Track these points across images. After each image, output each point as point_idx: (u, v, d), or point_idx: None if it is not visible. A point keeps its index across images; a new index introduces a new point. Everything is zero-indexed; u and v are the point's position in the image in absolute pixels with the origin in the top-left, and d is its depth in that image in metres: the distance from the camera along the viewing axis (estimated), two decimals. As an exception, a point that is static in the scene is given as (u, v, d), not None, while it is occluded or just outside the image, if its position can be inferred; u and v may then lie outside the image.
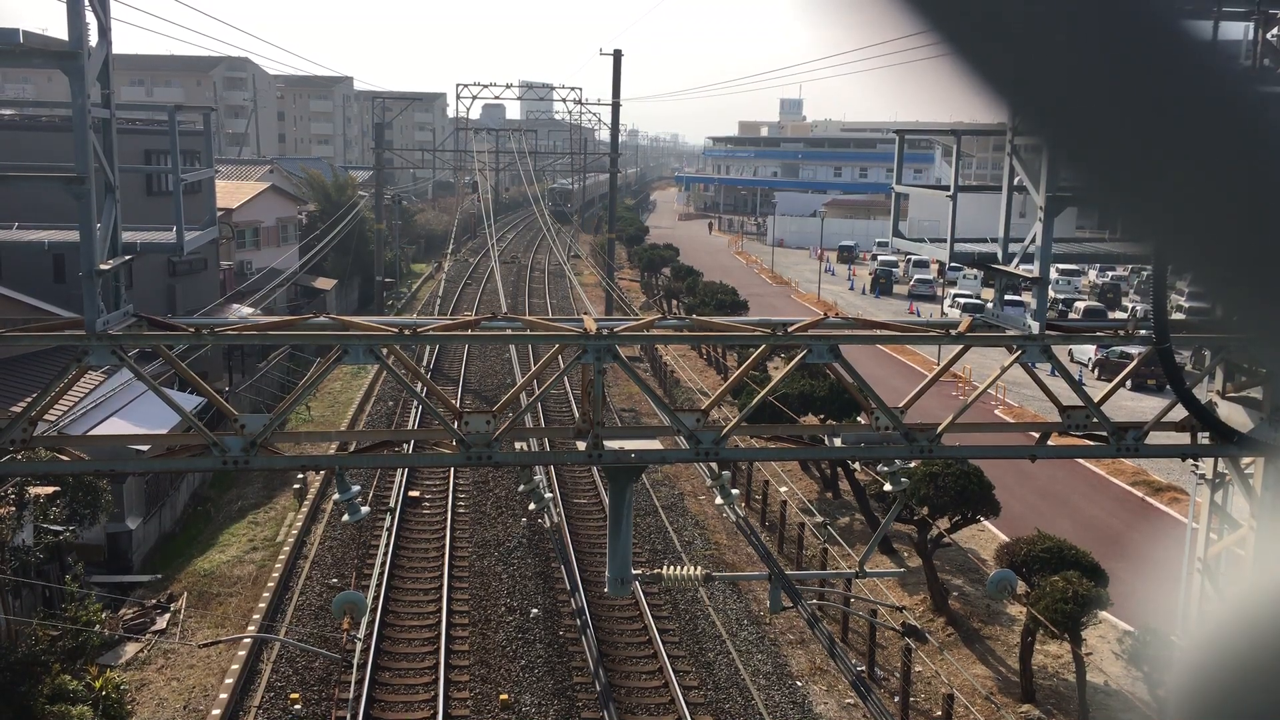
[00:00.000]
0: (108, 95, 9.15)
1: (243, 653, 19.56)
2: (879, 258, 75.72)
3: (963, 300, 56.06)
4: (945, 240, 11.05)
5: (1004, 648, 20.77)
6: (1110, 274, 68.65)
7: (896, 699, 18.42)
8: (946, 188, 11.05)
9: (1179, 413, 10.39)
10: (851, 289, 70.50)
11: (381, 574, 23.06)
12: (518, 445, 11.44)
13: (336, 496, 9.93)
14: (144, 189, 30.76)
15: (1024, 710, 18.54)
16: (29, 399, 10.35)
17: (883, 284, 68.57)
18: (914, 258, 68.41)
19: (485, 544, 25.44)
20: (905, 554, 24.59)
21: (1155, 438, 10.50)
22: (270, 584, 22.60)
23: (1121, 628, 19.94)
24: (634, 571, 10.85)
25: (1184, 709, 1.21)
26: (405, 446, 12.43)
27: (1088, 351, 42.98)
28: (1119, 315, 54.12)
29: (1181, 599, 12.30)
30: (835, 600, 21.89)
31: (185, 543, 25.73)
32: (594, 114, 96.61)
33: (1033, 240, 10.10)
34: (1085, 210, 12.51)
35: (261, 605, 21.56)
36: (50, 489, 18.88)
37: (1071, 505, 27.61)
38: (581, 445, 9.87)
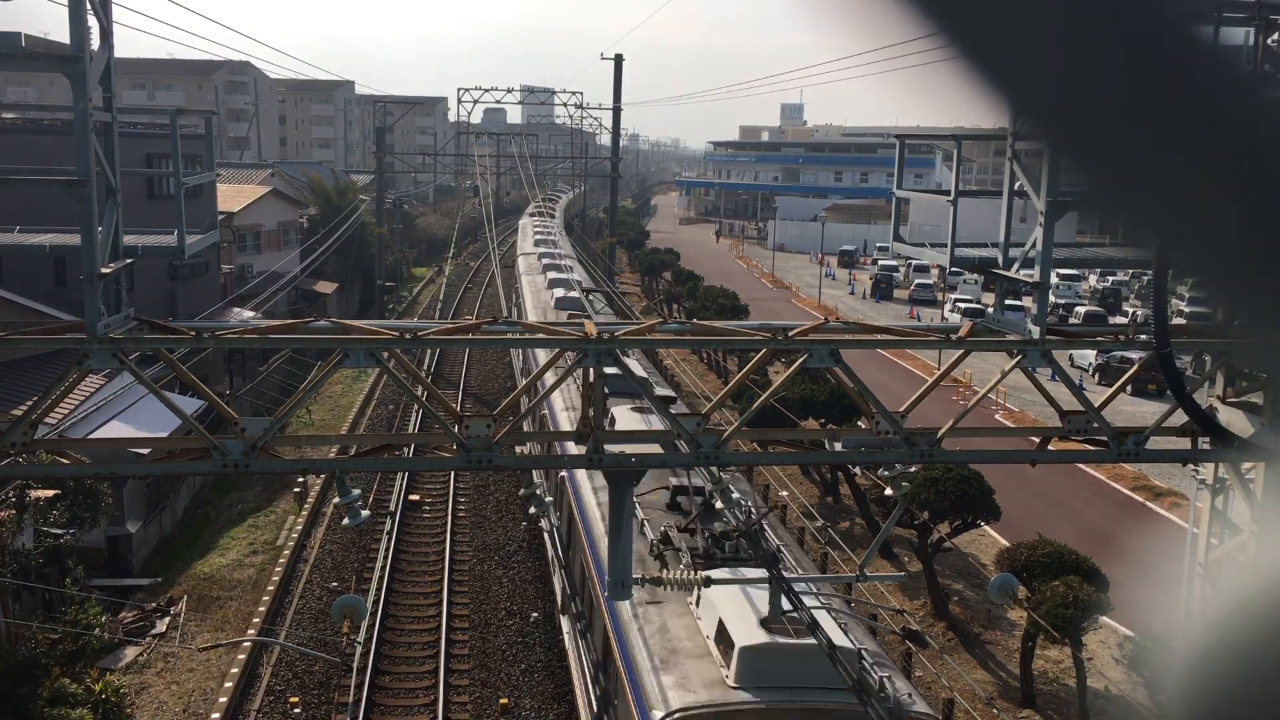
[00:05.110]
0: (109, 99, 9.15)
1: (242, 656, 19.55)
2: (880, 262, 75.74)
3: (963, 305, 56.07)
4: (946, 245, 11.05)
5: (1004, 652, 20.74)
6: (1111, 279, 68.66)
7: (897, 704, 18.39)
8: (947, 192, 11.05)
9: (1179, 418, 10.38)
10: (852, 293, 70.50)
11: (382, 578, 23.05)
12: (518, 449, 11.43)
13: (337, 500, 9.92)
14: (145, 192, 30.77)
15: (1024, 715, 18.52)
16: (30, 402, 10.35)
17: (883, 289, 68.57)
18: (915, 262, 68.39)
19: (485, 548, 25.43)
20: (906, 559, 24.57)
21: (1156, 443, 10.48)
22: (270, 587, 22.59)
23: (1122, 632, 19.92)
24: (634, 575, 10.83)
25: (1184, 713, 1.21)
26: (406, 450, 12.42)
27: (1088, 356, 42.97)
28: (1119, 320, 54.14)
29: (1182, 604, 12.29)
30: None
31: (185, 546, 25.71)
32: (595, 118, 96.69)
33: (1033, 245, 10.10)
34: (1086, 215, 12.51)
35: (261, 609, 21.54)
36: (51, 492, 18.88)
37: (1072, 510, 27.58)
38: (582, 449, 9.86)
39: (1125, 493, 29.18)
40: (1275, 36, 9.81)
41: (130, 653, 19.87)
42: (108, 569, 23.06)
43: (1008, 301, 11.82)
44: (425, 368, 41.60)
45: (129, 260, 9.45)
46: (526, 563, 24.55)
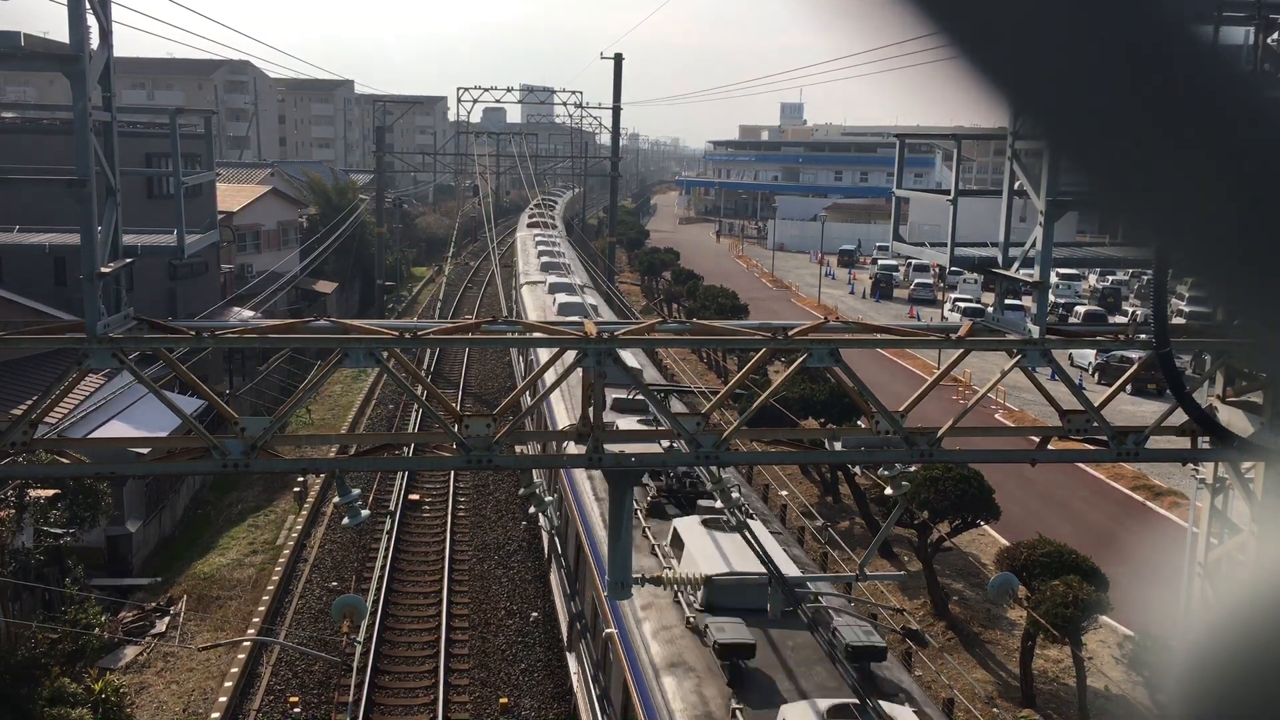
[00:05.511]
0: (109, 98, 9.15)
1: (242, 656, 19.55)
2: (879, 262, 75.72)
3: (963, 304, 56.07)
4: (946, 245, 11.05)
5: (1004, 652, 20.75)
6: (1110, 279, 68.69)
7: (897, 703, 18.39)
8: (947, 192, 11.04)
9: (1179, 417, 10.38)
10: (852, 293, 70.49)
11: (381, 577, 23.05)
12: (518, 449, 11.40)
13: (336, 499, 9.92)
14: (145, 192, 30.77)
15: (1024, 714, 18.51)
16: (30, 401, 10.34)
17: (883, 288, 68.56)
18: (914, 262, 68.39)
19: (485, 547, 25.43)
20: (906, 558, 24.57)
21: (1155, 442, 10.48)
22: (270, 587, 22.58)
23: (1122, 632, 19.92)
24: (634, 575, 10.83)
25: (1184, 713, 1.21)
26: (405, 450, 12.42)
27: (1088, 356, 42.97)
28: (1119, 320, 54.14)
29: (1182, 604, 12.28)
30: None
31: (185, 546, 25.71)
32: (595, 118, 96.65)
33: (1033, 245, 10.10)
34: (1086, 215, 12.50)
35: (261, 608, 21.54)
36: (50, 492, 18.89)
37: (1072, 510, 27.58)
38: (581, 449, 9.86)
39: (1125, 492, 29.18)
40: (1275, 36, 9.81)
41: (130, 652, 19.87)
42: (108, 569, 23.07)
43: (1007, 301, 11.81)
44: (425, 367, 41.60)
45: (129, 260, 9.44)
46: (526, 562, 24.55)
